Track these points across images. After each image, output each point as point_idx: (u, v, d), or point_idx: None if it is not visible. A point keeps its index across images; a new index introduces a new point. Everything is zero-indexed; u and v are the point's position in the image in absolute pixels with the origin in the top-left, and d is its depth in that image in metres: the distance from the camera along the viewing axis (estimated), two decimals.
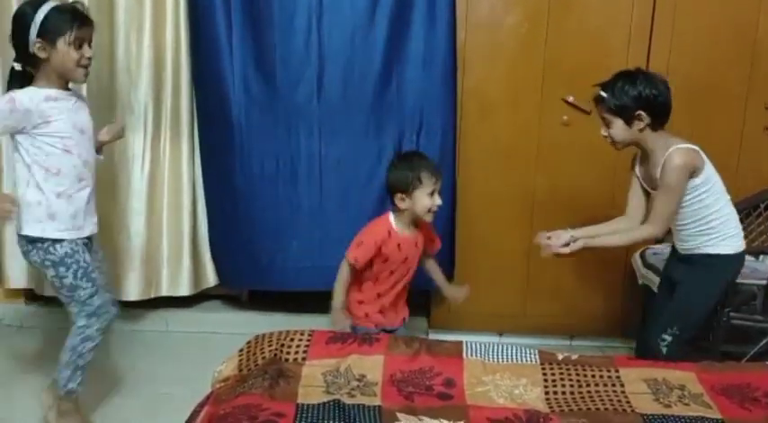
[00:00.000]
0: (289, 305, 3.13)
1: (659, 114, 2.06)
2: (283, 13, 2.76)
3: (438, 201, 2.19)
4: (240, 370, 1.75)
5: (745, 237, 2.81)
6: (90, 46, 2.03)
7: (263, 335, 1.85)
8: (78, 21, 1.98)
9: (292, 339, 1.79)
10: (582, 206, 2.86)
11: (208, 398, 1.63)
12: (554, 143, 2.85)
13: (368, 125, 2.83)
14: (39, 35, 1.93)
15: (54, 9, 1.95)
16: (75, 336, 2.12)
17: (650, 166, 2.13)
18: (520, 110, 2.84)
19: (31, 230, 2.03)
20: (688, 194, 2.09)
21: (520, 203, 2.92)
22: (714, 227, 2.16)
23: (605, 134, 2.12)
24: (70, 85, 2.09)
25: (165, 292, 3.04)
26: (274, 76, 2.81)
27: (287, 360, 1.73)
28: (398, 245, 2.21)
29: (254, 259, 2.95)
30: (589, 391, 1.69)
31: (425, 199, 2.16)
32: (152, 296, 3.02)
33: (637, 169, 2.23)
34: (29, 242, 2.05)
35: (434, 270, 2.43)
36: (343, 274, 2.23)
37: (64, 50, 1.95)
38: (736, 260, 2.20)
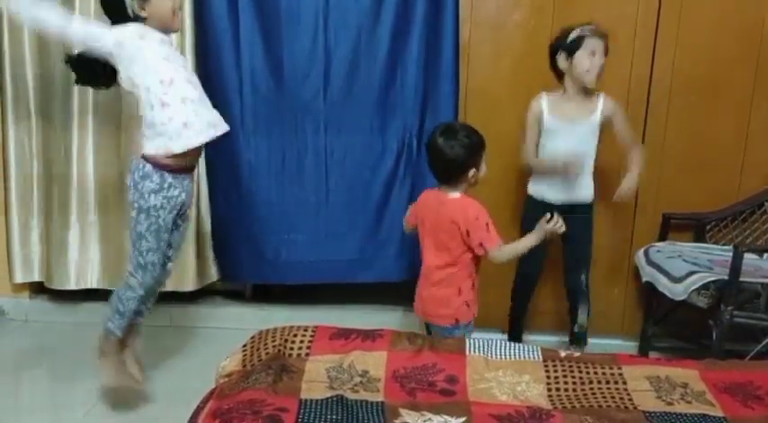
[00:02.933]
0: (292, 301, 3.14)
1: None
2: (290, 10, 2.77)
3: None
4: (244, 365, 1.76)
5: (750, 234, 2.83)
6: None
7: (267, 330, 1.85)
8: None
9: (296, 335, 1.80)
10: None
11: (212, 393, 1.64)
12: None
13: (373, 121, 2.85)
14: None
15: None
16: (122, 281, 2.25)
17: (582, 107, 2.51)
18: (523, 107, 2.83)
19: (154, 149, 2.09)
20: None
21: (522, 201, 2.91)
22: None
23: (598, 65, 2.41)
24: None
25: (169, 287, 3.04)
26: (281, 73, 2.83)
27: (290, 355, 1.74)
28: (487, 213, 2.19)
29: (260, 253, 2.96)
30: (591, 389, 1.69)
31: (485, 166, 2.21)
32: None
33: None
34: (142, 177, 2.10)
35: None
36: (508, 251, 2.18)
37: (159, 2, 2.05)
38: None
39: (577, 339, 2.71)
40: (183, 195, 2.19)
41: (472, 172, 2.14)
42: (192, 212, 3.01)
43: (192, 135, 2.11)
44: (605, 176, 2.66)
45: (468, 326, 2.20)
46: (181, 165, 2.15)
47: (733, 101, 2.78)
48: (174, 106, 2.07)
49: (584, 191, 2.57)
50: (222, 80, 2.85)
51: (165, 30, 2.12)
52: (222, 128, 2.21)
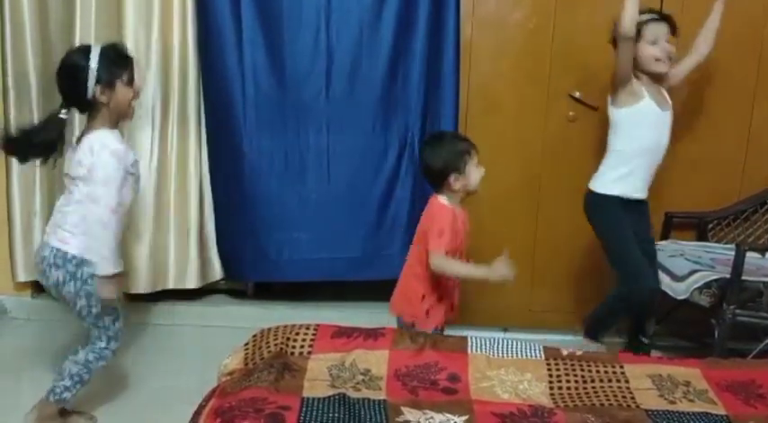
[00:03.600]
0: (294, 299, 3.14)
1: None
2: (292, 9, 2.78)
3: (483, 169, 2.17)
4: (246, 363, 1.76)
5: (752, 233, 2.83)
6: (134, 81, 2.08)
7: (269, 329, 1.85)
8: (127, 59, 2.06)
9: (297, 333, 1.80)
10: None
11: (214, 391, 1.64)
12: (560, 139, 2.84)
13: (375, 120, 2.86)
14: (97, 81, 1.98)
15: (103, 54, 2.00)
16: (90, 353, 2.16)
17: (660, 96, 2.43)
18: (526, 105, 2.84)
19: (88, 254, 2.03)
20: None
21: (525, 199, 2.92)
22: None
23: (666, 48, 2.36)
24: None
25: (172, 284, 3.05)
26: (283, 72, 2.83)
27: (292, 354, 1.74)
28: (462, 223, 2.17)
29: (263, 252, 2.97)
30: (594, 387, 1.69)
31: (476, 171, 2.16)
32: (159, 289, 3.04)
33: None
34: (76, 266, 2.04)
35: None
36: (447, 264, 2.08)
37: (122, 91, 2.02)
38: None
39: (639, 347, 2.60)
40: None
41: (453, 177, 2.10)
42: (194, 212, 3.02)
43: (112, 263, 2.05)
44: None
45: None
46: None
47: (735, 100, 2.78)
48: (108, 233, 2.02)
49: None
50: (224, 79, 2.85)
51: (119, 119, 2.09)
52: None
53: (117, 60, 2.03)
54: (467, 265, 2.16)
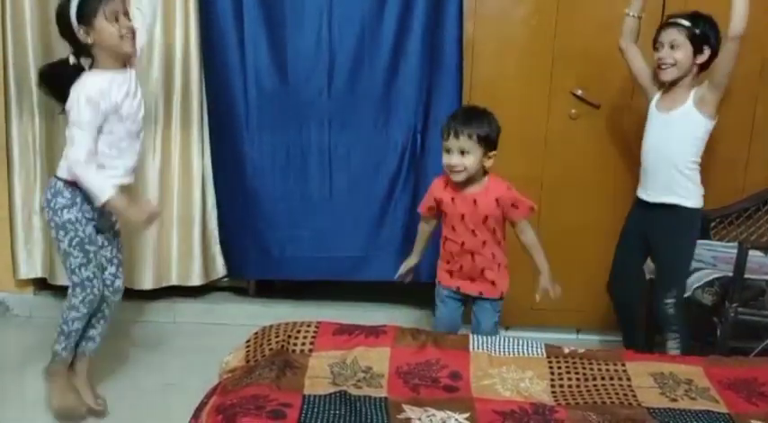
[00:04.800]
0: (295, 297, 3.15)
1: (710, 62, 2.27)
2: (294, 7, 2.78)
3: (447, 159, 2.09)
4: (247, 361, 1.76)
5: (755, 231, 2.82)
6: (127, 17, 2.08)
7: (270, 326, 1.85)
8: None
9: (299, 331, 1.80)
10: (589, 200, 2.86)
11: (215, 388, 1.64)
12: (562, 136, 2.84)
13: (377, 118, 2.85)
14: (78, 22, 2.00)
15: None
16: (65, 302, 2.20)
17: (671, 99, 2.33)
18: (528, 103, 2.83)
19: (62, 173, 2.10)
20: (704, 127, 2.30)
21: (526, 196, 2.90)
22: (695, 179, 2.35)
23: (667, 56, 2.26)
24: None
25: (175, 281, 3.06)
26: (285, 70, 2.83)
27: (294, 351, 1.74)
28: (452, 199, 2.15)
29: (265, 250, 2.98)
30: (595, 385, 1.69)
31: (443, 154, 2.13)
32: (163, 285, 3.05)
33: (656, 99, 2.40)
34: (53, 194, 2.11)
35: (532, 247, 2.27)
36: (420, 226, 2.32)
37: (104, 27, 2.01)
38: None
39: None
40: (97, 214, 2.17)
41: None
42: (197, 210, 3.02)
43: (102, 178, 2.09)
44: None
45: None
46: None
47: (738, 98, 2.77)
48: (100, 151, 2.09)
49: (684, 194, 2.34)
50: (227, 78, 2.85)
51: (117, 55, 2.09)
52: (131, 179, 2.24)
53: (88, 1, 2.01)
54: (417, 239, 2.35)
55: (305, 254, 2.97)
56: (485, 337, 1.85)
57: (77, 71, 2.10)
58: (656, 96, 2.40)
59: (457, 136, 2.06)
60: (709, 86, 2.25)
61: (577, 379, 1.71)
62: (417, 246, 2.35)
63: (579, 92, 2.79)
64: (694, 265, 2.49)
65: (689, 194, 2.34)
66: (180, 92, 2.89)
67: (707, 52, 2.25)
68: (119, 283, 2.29)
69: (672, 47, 2.25)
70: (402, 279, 2.37)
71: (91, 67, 2.10)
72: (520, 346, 1.81)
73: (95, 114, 2.03)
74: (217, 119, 2.93)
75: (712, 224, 2.83)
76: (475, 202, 2.14)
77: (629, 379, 1.70)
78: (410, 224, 2.90)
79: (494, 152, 2.11)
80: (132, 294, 2.95)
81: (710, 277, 2.41)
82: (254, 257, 3.02)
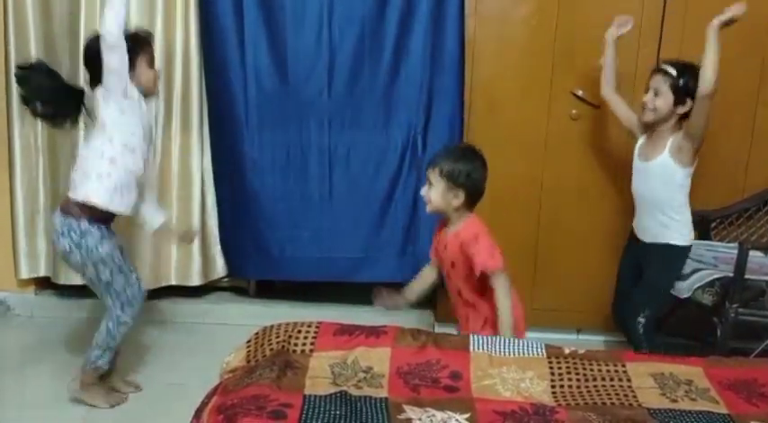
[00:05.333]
0: (296, 298, 3.15)
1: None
2: (295, 7, 2.78)
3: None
4: (248, 361, 1.76)
5: (755, 232, 2.82)
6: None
7: (271, 326, 1.85)
8: (147, 41, 2.20)
9: (299, 331, 1.80)
10: (589, 200, 2.86)
11: (216, 388, 1.64)
12: (562, 137, 2.84)
13: (377, 118, 2.86)
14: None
15: (127, 38, 2.08)
16: (110, 320, 2.29)
17: (651, 147, 2.40)
18: (529, 103, 2.83)
19: (99, 198, 2.15)
20: (681, 174, 2.35)
21: (527, 197, 2.91)
22: (681, 217, 2.40)
23: (649, 101, 2.34)
24: None
25: (174, 281, 3.06)
26: (285, 70, 2.83)
27: (294, 351, 1.74)
28: (439, 241, 2.16)
29: (265, 250, 2.98)
30: (596, 386, 1.69)
31: None
32: (162, 285, 3.05)
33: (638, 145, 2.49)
34: (81, 235, 2.16)
35: (497, 305, 2.03)
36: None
37: (142, 70, 2.16)
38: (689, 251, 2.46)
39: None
40: (113, 233, 2.28)
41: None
42: (196, 210, 3.03)
43: (118, 203, 2.20)
44: None
45: None
46: (108, 217, 2.25)
47: (739, 98, 2.77)
48: (119, 171, 2.17)
49: (670, 233, 2.41)
50: (227, 77, 2.85)
51: (146, 95, 2.23)
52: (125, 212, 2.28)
53: (139, 43, 2.15)
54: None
55: (305, 254, 2.97)
56: (485, 338, 1.85)
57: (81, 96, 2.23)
58: (640, 142, 2.47)
59: (428, 167, 2.07)
60: (685, 136, 2.30)
61: (578, 379, 1.70)
62: (412, 286, 2.25)
63: (580, 92, 2.79)
64: (695, 265, 2.49)
65: (678, 235, 2.41)
66: (180, 91, 2.90)
67: (689, 104, 2.29)
68: (143, 284, 2.39)
69: (656, 93, 2.33)
70: (382, 305, 2.25)
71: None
72: (520, 347, 1.81)
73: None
74: (217, 119, 2.94)
75: (713, 224, 2.83)
76: (446, 246, 2.12)
77: (629, 380, 1.70)
78: (410, 225, 2.90)
79: (459, 192, 2.03)
80: None
81: (711, 278, 2.41)
82: (253, 258, 3.02)
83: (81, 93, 2.26)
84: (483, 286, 2.06)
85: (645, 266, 2.49)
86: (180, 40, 2.86)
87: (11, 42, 2.87)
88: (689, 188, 2.40)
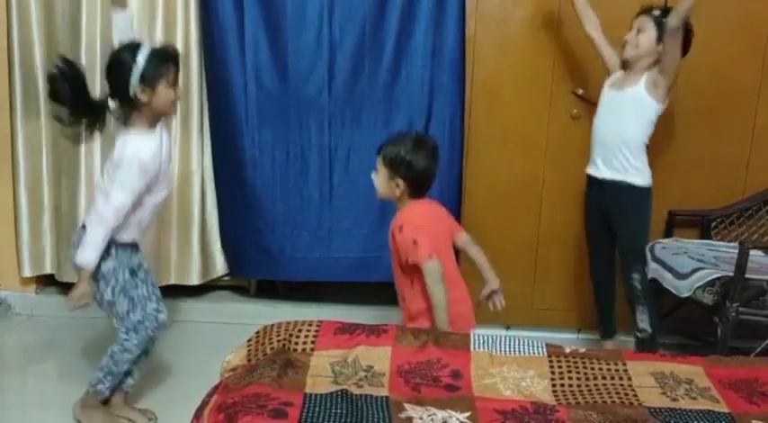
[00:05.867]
0: (296, 297, 3.15)
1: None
2: (295, 6, 2.78)
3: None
4: (249, 359, 1.76)
5: (756, 231, 2.82)
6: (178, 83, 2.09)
7: (272, 325, 1.85)
8: (174, 63, 2.04)
9: (300, 330, 1.80)
10: None
11: (217, 387, 1.64)
12: (563, 136, 2.84)
13: (377, 117, 2.86)
14: (141, 81, 1.97)
15: (152, 54, 1.98)
16: (115, 345, 2.19)
17: (625, 79, 2.46)
18: (529, 102, 2.83)
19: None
20: (653, 109, 2.40)
21: (528, 196, 2.92)
22: (641, 158, 2.44)
23: (631, 38, 2.40)
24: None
25: (174, 280, 3.06)
26: (286, 69, 2.83)
27: (295, 350, 1.74)
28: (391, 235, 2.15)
29: (265, 249, 2.97)
30: (596, 384, 1.69)
31: None
32: (162, 284, 3.04)
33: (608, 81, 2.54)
34: None
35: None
36: None
37: (164, 92, 2.01)
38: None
39: (641, 346, 2.50)
40: (133, 256, 2.20)
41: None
42: (196, 209, 3.03)
43: (136, 230, 2.15)
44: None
45: None
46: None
47: (740, 97, 2.77)
48: (142, 211, 2.10)
49: (631, 171, 2.44)
50: (227, 76, 2.85)
51: (159, 117, 2.09)
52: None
53: (164, 62, 2.01)
54: None
55: (305, 254, 2.97)
56: (486, 337, 1.85)
57: (102, 115, 2.08)
58: (614, 75, 2.51)
59: (377, 152, 2.09)
60: (659, 71, 2.36)
61: (578, 378, 1.71)
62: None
63: (580, 91, 2.80)
64: (696, 264, 2.49)
65: (638, 173, 2.44)
66: (181, 90, 2.89)
67: (672, 41, 2.32)
68: (162, 317, 2.28)
69: (639, 31, 2.40)
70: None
71: (128, 120, 2.07)
72: (521, 346, 1.81)
73: (143, 181, 2.02)
74: (217, 118, 2.94)
75: (713, 224, 2.83)
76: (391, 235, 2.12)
77: (629, 378, 1.70)
78: None
79: (399, 180, 2.03)
80: None
81: (711, 277, 2.41)
82: (253, 257, 3.02)
83: (102, 106, 2.09)
84: (410, 278, 2.06)
85: (614, 221, 2.51)
86: (180, 39, 2.86)
87: (14, 44, 2.88)
88: (652, 132, 2.44)
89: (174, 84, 2.05)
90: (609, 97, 2.49)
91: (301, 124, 2.88)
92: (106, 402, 2.28)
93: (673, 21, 2.25)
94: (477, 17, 2.79)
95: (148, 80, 1.97)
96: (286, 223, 2.95)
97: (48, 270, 3.09)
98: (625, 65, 2.47)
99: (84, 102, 2.04)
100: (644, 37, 2.39)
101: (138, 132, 2.04)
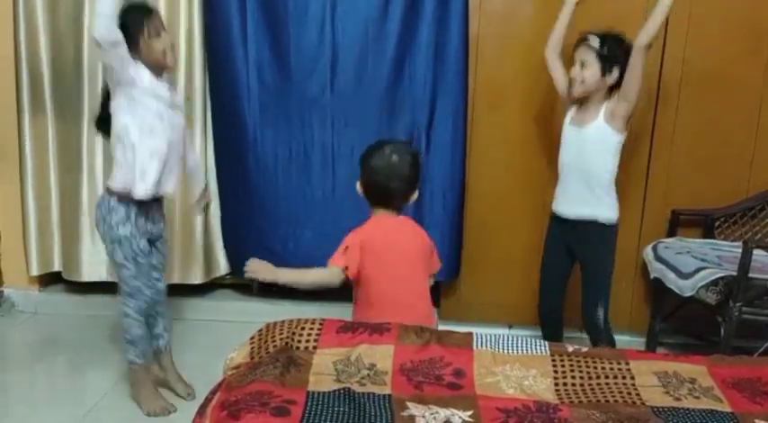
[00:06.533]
0: (298, 294, 3.15)
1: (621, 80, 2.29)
2: (297, 3, 2.77)
3: None
4: (252, 357, 1.76)
5: (759, 231, 2.81)
6: (166, 32, 2.17)
7: (275, 323, 1.85)
8: (144, 13, 2.13)
9: (303, 328, 1.80)
10: None
11: (220, 385, 1.64)
12: None
13: (380, 115, 2.85)
14: (125, 38, 2.05)
15: (124, 12, 2.08)
16: (118, 311, 2.30)
17: (583, 114, 2.38)
18: (532, 101, 2.83)
19: (116, 184, 2.18)
20: (615, 140, 2.33)
21: (530, 196, 2.91)
22: (610, 193, 2.38)
23: (577, 74, 2.32)
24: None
25: (177, 279, 3.06)
26: (288, 67, 2.83)
27: (298, 348, 1.74)
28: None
29: (267, 248, 2.97)
30: (599, 384, 1.68)
31: None
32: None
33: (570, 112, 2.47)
34: (108, 211, 2.19)
35: None
36: None
37: (147, 45, 2.11)
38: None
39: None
40: (150, 224, 2.27)
41: (416, 192, 2.06)
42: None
43: (150, 186, 2.17)
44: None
45: None
46: (140, 201, 2.21)
47: (743, 96, 2.77)
48: (141, 154, 2.14)
49: (599, 208, 2.38)
50: (230, 75, 2.85)
51: (158, 68, 2.17)
52: (171, 191, 2.30)
53: (134, 18, 2.10)
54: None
55: (307, 252, 2.96)
56: (488, 336, 1.85)
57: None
58: (571, 111, 2.44)
59: None
60: (619, 99, 2.29)
61: (581, 377, 1.70)
62: None
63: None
64: (699, 264, 2.49)
65: (605, 209, 2.38)
66: (183, 88, 2.90)
67: (615, 72, 2.28)
68: (161, 285, 2.40)
69: (582, 65, 2.31)
70: None
71: None
72: (524, 345, 1.81)
73: (128, 71, 2.07)
74: (220, 116, 2.94)
75: (717, 223, 2.83)
76: None
77: (632, 378, 1.70)
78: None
79: (359, 183, 2.10)
80: None
81: (715, 276, 2.40)
82: (256, 255, 3.00)
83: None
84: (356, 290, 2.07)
85: (579, 255, 2.47)
86: (183, 37, 2.86)
87: (21, 44, 2.89)
88: (618, 161, 2.37)
89: (159, 34, 2.13)
90: (570, 135, 2.41)
91: (304, 122, 2.88)
92: (160, 365, 2.41)
93: (643, 39, 2.16)
94: (481, 15, 2.79)
95: (130, 35, 2.08)
96: (288, 222, 2.95)
97: (56, 267, 3.10)
98: (580, 101, 2.40)
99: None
100: (587, 72, 2.29)
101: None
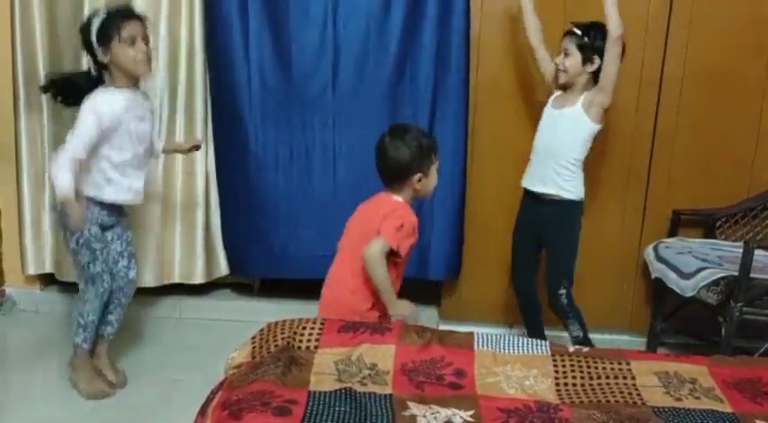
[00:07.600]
0: (299, 294, 3.15)
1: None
2: (299, 4, 2.77)
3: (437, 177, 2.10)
4: (253, 357, 1.76)
5: (761, 231, 2.81)
6: (145, 41, 2.19)
7: (276, 322, 1.86)
8: (123, 19, 2.15)
9: (304, 327, 1.80)
10: (591, 199, 2.85)
11: (221, 384, 1.64)
12: None
13: (381, 115, 2.84)
14: (98, 42, 2.14)
15: (105, 15, 2.13)
16: (78, 296, 2.35)
17: (564, 99, 2.47)
18: (533, 101, 2.83)
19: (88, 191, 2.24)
20: (589, 129, 2.41)
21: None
22: (577, 175, 2.45)
23: (560, 62, 2.42)
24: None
25: (177, 279, 3.07)
26: (289, 67, 2.83)
27: (299, 348, 1.74)
28: (414, 228, 2.06)
29: (267, 248, 2.97)
30: (600, 384, 1.69)
31: (435, 175, 2.08)
32: (165, 283, 3.05)
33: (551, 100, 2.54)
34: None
35: None
36: (382, 263, 1.95)
37: (119, 50, 2.14)
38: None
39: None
40: (104, 213, 2.31)
41: (418, 176, 2.02)
42: (200, 207, 3.03)
43: (113, 192, 2.28)
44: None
45: None
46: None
47: (745, 96, 2.77)
48: (103, 165, 2.22)
49: (564, 186, 2.44)
50: (231, 75, 2.85)
51: (132, 77, 2.22)
52: (138, 199, 2.38)
53: (114, 20, 2.14)
54: (390, 288, 2.00)
55: (307, 253, 2.96)
56: (489, 336, 1.85)
57: (95, 82, 2.23)
58: (555, 94, 2.52)
59: None
60: (596, 90, 2.37)
61: (582, 377, 1.71)
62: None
63: None
64: (700, 264, 2.49)
65: (570, 187, 2.44)
66: (184, 88, 2.90)
67: (597, 62, 2.36)
68: (132, 274, 2.43)
69: (565, 54, 2.41)
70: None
71: (104, 82, 2.23)
72: (524, 345, 1.81)
73: (95, 129, 2.14)
74: (221, 116, 2.94)
75: (718, 223, 2.83)
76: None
77: (633, 378, 1.70)
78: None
79: None
80: (138, 291, 2.96)
81: (716, 276, 2.41)
82: (256, 255, 3.02)
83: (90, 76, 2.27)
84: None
85: (542, 232, 2.52)
86: (184, 37, 2.86)
87: (17, 43, 2.88)
88: (588, 151, 2.44)
89: (132, 42, 2.15)
90: (548, 115, 2.51)
91: (305, 122, 2.88)
92: (93, 354, 2.42)
93: (611, 31, 2.25)
94: (482, 16, 2.79)
95: (103, 40, 2.13)
96: (289, 221, 2.95)
97: (48, 269, 3.10)
98: (564, 87, 2.48)
99: (75, 91, 2.22)
100: (568, 61, 2.40)
101: (107, 89, 2.20)
